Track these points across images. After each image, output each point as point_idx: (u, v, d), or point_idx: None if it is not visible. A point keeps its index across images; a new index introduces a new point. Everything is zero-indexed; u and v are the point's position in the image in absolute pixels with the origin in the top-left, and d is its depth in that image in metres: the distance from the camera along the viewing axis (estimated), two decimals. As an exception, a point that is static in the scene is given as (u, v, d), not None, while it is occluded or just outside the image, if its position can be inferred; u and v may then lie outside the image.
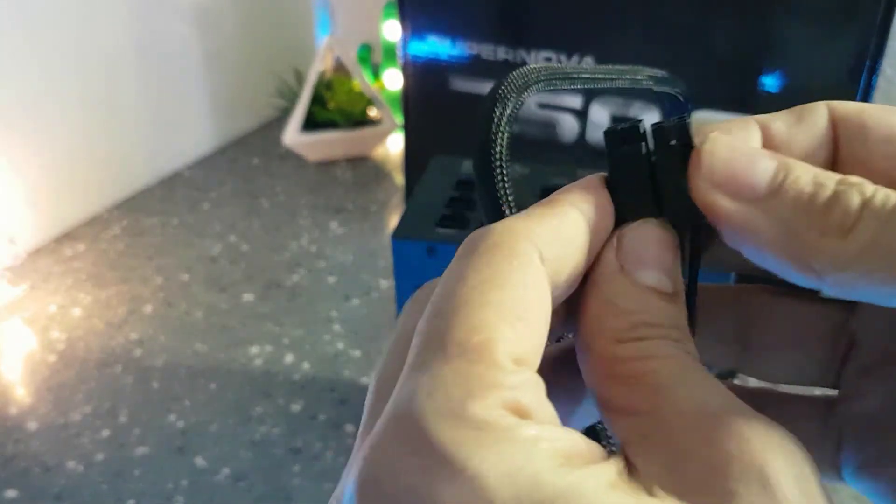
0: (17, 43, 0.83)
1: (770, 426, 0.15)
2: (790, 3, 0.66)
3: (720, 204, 0.17)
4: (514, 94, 0.22)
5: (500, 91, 0.21)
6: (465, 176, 0.53)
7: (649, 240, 0.18)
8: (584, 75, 0.24)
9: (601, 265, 0.17)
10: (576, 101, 0.76)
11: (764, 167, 0.17)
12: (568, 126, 0.78)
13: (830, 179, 0.16)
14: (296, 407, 0.68)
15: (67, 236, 0.93)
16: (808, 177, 0.17)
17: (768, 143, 0.19)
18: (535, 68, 0.22)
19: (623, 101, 0.74)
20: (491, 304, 0.15)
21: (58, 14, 0.86)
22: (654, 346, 0.16)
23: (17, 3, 0.82)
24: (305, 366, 0.73)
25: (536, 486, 0.13)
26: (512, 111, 0.21)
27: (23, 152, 0.86)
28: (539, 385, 0.15)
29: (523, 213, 0.18)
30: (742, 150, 0.17)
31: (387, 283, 0.84)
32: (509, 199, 0.21)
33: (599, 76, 0.25)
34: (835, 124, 0.19)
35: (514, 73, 0.22)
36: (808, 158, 0.18)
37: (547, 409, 0.15)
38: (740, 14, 0.68)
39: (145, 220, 0.96)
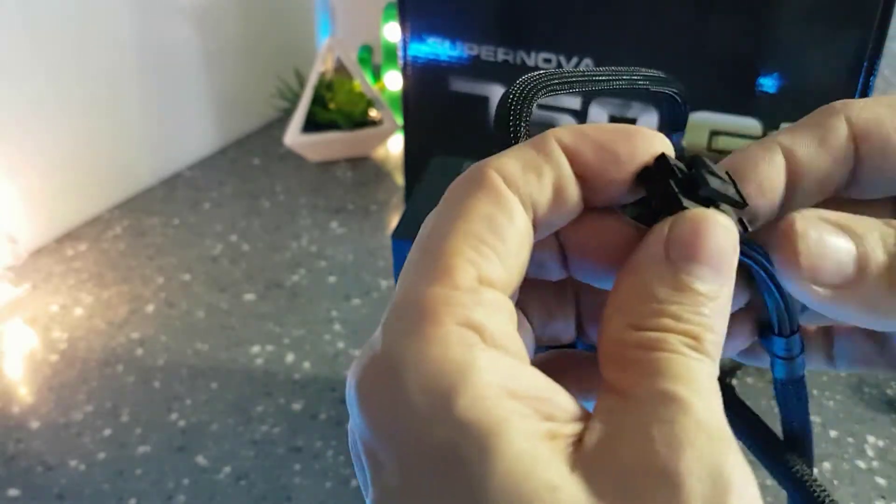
0: (18, 43, 0.83)
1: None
2: (788, 5, 0.66)
3: (815, 291, 0.18)
4: (526, 94, 0.22)
5: (512, 91, 0.22)
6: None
7: (707, 233, 0.17)
8: (581, 78, 0.24)
9: (646, 246, 0.17)
10: (574, 103, 0.76)
11: (847, 251, 0.18)
12: (567, 127, 0.78)
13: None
14: (297, 406, 0.68)
15: (69, 236, 0.93)
16: (880, 248, 0.18)
17: (792, 167, 0.19)
18: (537, 74, 0.23)
19: (622, 102, 0.74)
20: (457, 233, 0.16)
21: (59, 15, 0.87)
22: (666, 341, 0.16)
23: (20, 3, 0.82)
24: (306, 365, 0.73)
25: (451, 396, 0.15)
26: (529, 97, 0.22)
27: (24, 152, 0.87)
28: (502, 306, 0.16)
29: (505, 150, 0.19)
30: (824, 241, 0.18)
31: (387, 283, 0.85)
32: None
33: (598, 78, 0.25)
34: (855, 139, 0.19)
35: (519, 80, 0.22)
36: (830, 177, 0.19)
37: (504, 330, 0.16)
38: (738, 15, 0.68)
39: (146, 221, 0.97)
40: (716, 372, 0.16)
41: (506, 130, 0.21)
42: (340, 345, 0.76)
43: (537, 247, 0.19)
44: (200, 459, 0.63)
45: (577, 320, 0.22)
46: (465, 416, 0.14)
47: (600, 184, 0.18)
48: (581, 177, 0.18)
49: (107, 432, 0.66)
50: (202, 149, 1.12)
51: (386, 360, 0.16)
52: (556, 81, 0.23)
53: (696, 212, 0.17)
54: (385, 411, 0.15)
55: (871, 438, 0.65)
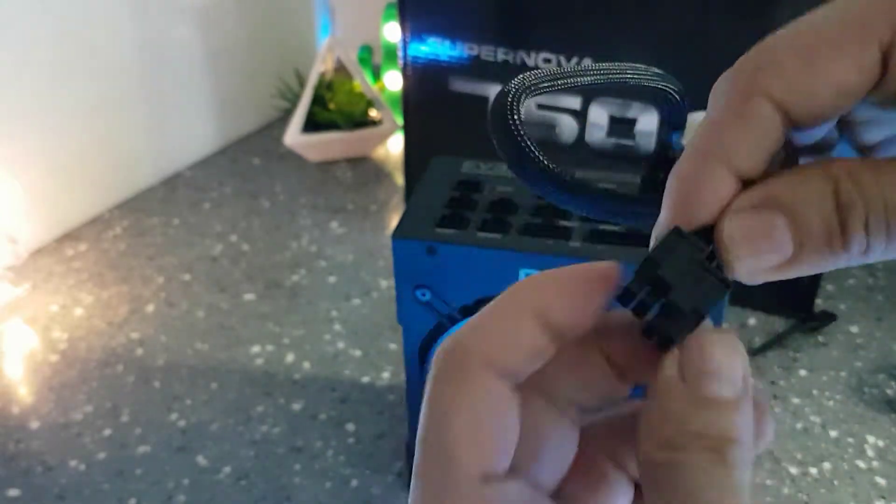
0: (20, 43, 0.83)
1: None
2: (787, 6, 0.66)
3: (763, 279, 0.19)
4: (523, 88, 0.22)
5: (508, 87, 0.22)
6: (465, 176, 0.53)
7: (713, 351, 0.18)
8: (577, 74, 0.24)
9: (661, 375, 0.19)
10: (575, 102, 0.76)
11: (782, 230, 0.18)
12: (567, 127, 0.78)
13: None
14: (296, 406, 0.69)
15: (69, 236, 0.93)
16: (815, 214, 0.18)
17: (737, 175, 0.19)
18: (532, 73, 0.23)
19: (622, 102, 0.74)
20: (451, 429, 0.18)
21: (61, 15, 0.87)
22: (689, 457, 0.17)
23: (23, 7, 0.82)
24: (306, 365, 0.73)
25: None
26: (524, 92, 0.22)
27: (25, 152, 0.87)
28: (515, 488, 0.18)
29: (476, 321, 0.20)
30: (756, 235, 0.18)
31: (387, 283, 0.85)
32: (529, 141, 0.22)
33: (594, 74, 0.25)
34: (785, 110, 0.19)
35: (518, 77, 0.23)
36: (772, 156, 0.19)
37: None
38: (737, 16, 0.68)
39: (146, 221, 0.97)
40: (746, 478, 0.17)
41: (503, 127, 0.21)
42: (340, 345, 0.76)
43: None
44: (200, 459, 0.63)
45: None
46: None
47: (580, 329, 0.20)
48: (556, 329, 0.20)
49: (107, 432, 0.66)
50: (202, 149, 1.12)
51: None
52: (549, 80, 0.24)
53: (702, 337, 0.19)
54: None
55: (871, 438, 0.65)
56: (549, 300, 0.20)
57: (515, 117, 0.22)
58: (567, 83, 0.24)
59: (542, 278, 0.20)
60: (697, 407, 0.18)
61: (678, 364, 0.18)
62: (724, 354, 0.18)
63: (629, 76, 0.27)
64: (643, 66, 0.29)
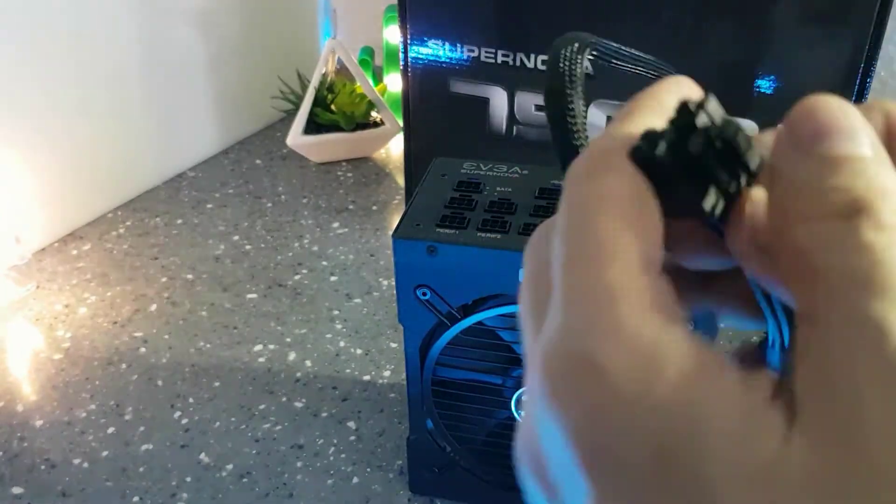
0: (25, 46, 0.84)
1: None
2: (785, 7, 0.67)
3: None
4: (579, 44, 0.22)
5: (563, 41, 0.22)
6: (465, 176, 0.54)
7: (818, 107, 0.16)
8: (628, 55, 0.24)
9: (775, 158, 0.17)
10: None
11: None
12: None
13: None
14: (298, 404, 0.69)
15: (73, 236, 0.94)
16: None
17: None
18: (586, 37, 0.22)
19: (620, 104, 0.75)
20: (612, 217, 0.16)
21: (66, 18, 0.87)
22: (837, 225, 0.15)
23: (27, 7, 0.83)
24: (308, 364, 0.74)
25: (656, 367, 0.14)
26: (581, 52, 0.21)
27: (29, 153, 0.87)
28: (667, 284, 0.16)
29: (607, 131, 0.18)
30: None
31: (388, 283, 0.85)
32: (583, 130, 0.21)
33: (641, 61, 0.25)
34: (890, 132, 0.17)
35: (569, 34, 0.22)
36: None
37: (675, 306, 0.16)
38: (736, 18, 0.68)
39: (150, 221, 0.97)
40: None
41: (560, 84, 0.20)
42: (342, 343, 0.76)
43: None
44: (203, 457, 0.64)
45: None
46: (675, 397, 0.14)
47: None
48: None
49: (110, 430, 0.67)
50: (205, 150, 1.12)
51: (581, 355, 0.15)
52: (604, 49, 0.23)
53: (804, 101, 0.17)
54: (593, 409, 0.15)
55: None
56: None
57: (572, 108, 0.21)
58: (623, 65, 0.24)
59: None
60: (830, 165, 0.15)
61: (788, 139, 0.16)
62: (831, 111, 0.16)
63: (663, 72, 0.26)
64: (666, 65, 0.29)
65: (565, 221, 0.17)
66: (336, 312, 0.81)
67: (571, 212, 0.17)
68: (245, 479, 0.62)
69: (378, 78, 1.25)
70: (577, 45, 0.21)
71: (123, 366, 0.74)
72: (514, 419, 0.53)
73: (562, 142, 0.20)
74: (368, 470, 0.63)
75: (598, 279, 0.15)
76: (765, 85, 0.69)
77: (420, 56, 0.81)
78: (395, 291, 0.50)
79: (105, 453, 0.64)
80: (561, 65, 0.21)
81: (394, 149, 1.15)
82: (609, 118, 0.76)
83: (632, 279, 0.15)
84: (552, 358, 0.15)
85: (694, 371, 0.14)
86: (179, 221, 0.97)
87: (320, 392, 0.70)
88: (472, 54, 0.79)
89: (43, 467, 0.63)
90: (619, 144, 0.17)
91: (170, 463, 0.63)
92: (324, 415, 0.68)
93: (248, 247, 0.92)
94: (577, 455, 0.15)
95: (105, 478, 0.62)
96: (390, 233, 0.94)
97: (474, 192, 0.52)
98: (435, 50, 0.80)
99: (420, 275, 0.48)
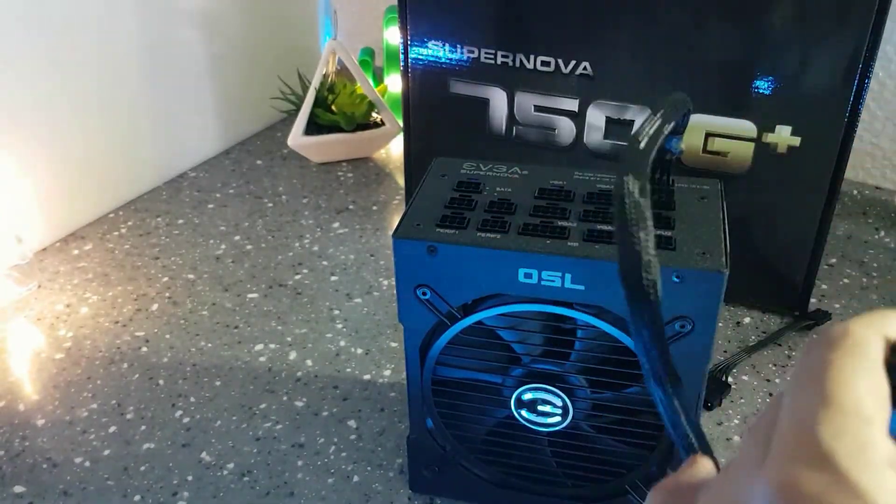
0: (27, 48, 0.84)
1: None
2: (784, 8, 0.67)
3: None
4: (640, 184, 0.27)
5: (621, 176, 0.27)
6: (465, 177, 0.54)
7: None
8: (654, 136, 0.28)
9: None
10: (573, 105, 0.77)
11: None
12: (565, 128, 0.79)
13: None
14: (299, 403, 0.69)
15: (74, 236, 0.94)
16: None
17: None
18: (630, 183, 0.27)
19: (619, 105, 0.75)
20: (864, 398, 0.21)
21: (67, 20, 0.88)
22: None
23: (29, 9, 0.83)
24: (308, 363, 0.74)
25: None
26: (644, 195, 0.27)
27: (31, 153, 0.88)
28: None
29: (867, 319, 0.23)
30: None
31: (388, 282, 0.85)
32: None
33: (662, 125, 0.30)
34: None
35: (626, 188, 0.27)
36: None
37: None
38: (734, 19, 0.68)
39: (151, 221, 0.98)
40: None
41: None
42: (342, 343, 0.77)
43: None
44: (204, 456, 0.64)
45: None
46: None
47: None
48: None
49: (112, 429, 0.67)
50: (206, 150, 1.13)
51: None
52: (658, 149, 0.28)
53: None
54: None
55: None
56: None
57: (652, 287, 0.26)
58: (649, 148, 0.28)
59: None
60: None
61: None
62: None
63: (681, 114, 0.32)
64: (675, 96, 0.33)
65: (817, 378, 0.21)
66: (336, 312, 0.81)
67: (828, 372, 0.21)
68: (246, 478, 0.62)
69: (378, 79, 1.26)
70: (637, 186, 0.26)
71: (125, 365, 0.74)
72: (513, 418, 0.54)
73: (629, 272, 0.26)
74: (369, 469, 0.63)
75: (855, 450, 0.20)
76: (763, 86, 0.70)
77: (420, 57, 0.82)
78: (395, 291, 0.50)
79: (106, 452, 0.65)
80: (628, 213, 0.26)
81: (394, 149, 1.15)
82: (608, 118, 0.76)
83: (882, 447, 0.20)
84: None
85: None
86: (181, 221, 0.98)
87: (321, 391, 0.71)
88: (472, 55, 0.79)
89: (44, 466, 0.63)
90: (875, 341, 0.22)
91: (171, 462, 0.64)
92: (324, 414, 0.68)
93: (248, 247, 0.92)
94: None
95: (106, 477, 0.62)
96: (390, 233, 0.94)
97: (474, 193, 0.52)
98: (435, 51, 0.81)
99: (420, 275, 0.49)
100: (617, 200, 0.26)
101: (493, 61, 0.79)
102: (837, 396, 0.21)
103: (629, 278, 0.26)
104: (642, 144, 0.30)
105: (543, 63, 0.77)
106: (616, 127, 0.76)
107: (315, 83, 1.08)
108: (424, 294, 0.49)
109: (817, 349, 0.22)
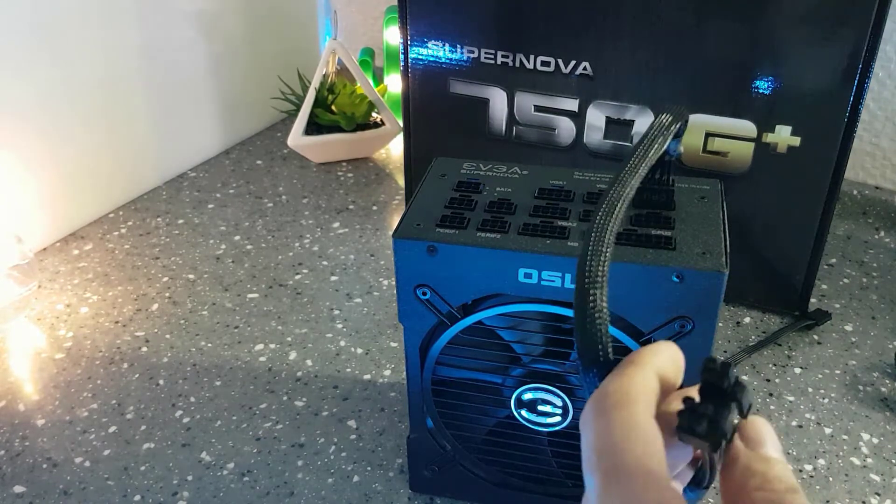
0: (28, 48, 0.84)
1: None
2: (784, 8, 0.67)
3: None
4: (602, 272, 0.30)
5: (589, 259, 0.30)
6: (464, 177, 0.54)
7: (763, 428, 0.28)
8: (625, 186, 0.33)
9: (735, 448, 0.28)
10: (573, 105, 0.77)
11: None
12: (565, 128, 0.79)
13: None
14: (299, 403, 0.69)
15: (74, 236, 0.94)
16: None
17: None
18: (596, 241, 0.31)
19: (619, 105, 0.75)
20: (638, 443, 0.25)
21: (67, 20, 0.88)
22: (774, 491, 0.26)
23: (30, 9, 0.83)
24: (308, 363, 0.74)
25: None
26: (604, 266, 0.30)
27: (31, 153, 0.88)
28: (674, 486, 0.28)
29: (617, 373, 0.28)
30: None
31: (388, 282, 0.85)
32: (608, 346, 0.30)
33: (635, 172, 0.34)
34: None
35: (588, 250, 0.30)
36: None
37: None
38: (734, 19, 0.69)
39: (151, 221, 0.98)
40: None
41: None
42: (342, 343, 0.77)
43: None
44: (204, 456, 0.64)
45: None
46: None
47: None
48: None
49: (112, 429, 0.67)
50: (206, 150, 1.13)
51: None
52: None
53: (753, 420, 0.28)
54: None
55: (865, 436, 0.66)
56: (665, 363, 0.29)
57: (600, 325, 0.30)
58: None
59: (662, 350, 0.30)
60: (765, 462, 0.27)
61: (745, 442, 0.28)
62: (769, 431, 0.28)
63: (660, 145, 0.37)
64: (668, 110, 0.36)
65: (605, 441, 0.25)
66: (336, 312, 0.81)
67: (609, 437, 0.25)
68: (246, 478, 0.62)
69: (378, 79, 1.26)
70: (597, 288, 0.30)
71: (125, 365, 0.74)
72: (513, 418, 0.54)
73: (586, 347, 0.30)
74: (369, 469, 0.63)
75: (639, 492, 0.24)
76: (763, 86, 0.70)
77: (420, 57, 0.82)
78: (395, 291, 0.50)
79: (106, 452, 0.65)
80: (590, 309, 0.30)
81: (394, 149, 1.15)
82: (608, 118, 0.76)
83: (666, 489, 0.24)
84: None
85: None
86: (181, 221, 0.98)
87: (321, 391, 0.71)
88: (472, 55, 0.79)
89: (45, 466, 0.63)
90: (641, 396, 0.27)
91: (171, 462, 0.64)
92: (324, 414, 0.68)
93: (248, 247, 0.93)
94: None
95: (106, 477, 0.62)
96: (390, 233, 0.95)
97: (474, 193, 0.52)
98: (435, 51, 0.81)
99: (420, 275, 0.49)
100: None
101: (493, 61, 0.79)
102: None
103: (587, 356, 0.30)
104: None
105: (543, 63, 0.77)
106: (616, 127, 0.76)
107: (315, 83, 1.08)
108: (424, 294, 0.49)
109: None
